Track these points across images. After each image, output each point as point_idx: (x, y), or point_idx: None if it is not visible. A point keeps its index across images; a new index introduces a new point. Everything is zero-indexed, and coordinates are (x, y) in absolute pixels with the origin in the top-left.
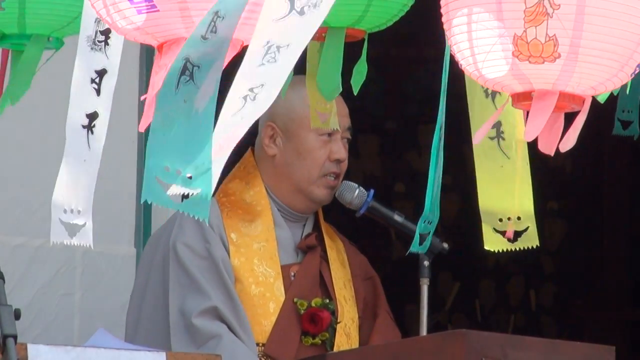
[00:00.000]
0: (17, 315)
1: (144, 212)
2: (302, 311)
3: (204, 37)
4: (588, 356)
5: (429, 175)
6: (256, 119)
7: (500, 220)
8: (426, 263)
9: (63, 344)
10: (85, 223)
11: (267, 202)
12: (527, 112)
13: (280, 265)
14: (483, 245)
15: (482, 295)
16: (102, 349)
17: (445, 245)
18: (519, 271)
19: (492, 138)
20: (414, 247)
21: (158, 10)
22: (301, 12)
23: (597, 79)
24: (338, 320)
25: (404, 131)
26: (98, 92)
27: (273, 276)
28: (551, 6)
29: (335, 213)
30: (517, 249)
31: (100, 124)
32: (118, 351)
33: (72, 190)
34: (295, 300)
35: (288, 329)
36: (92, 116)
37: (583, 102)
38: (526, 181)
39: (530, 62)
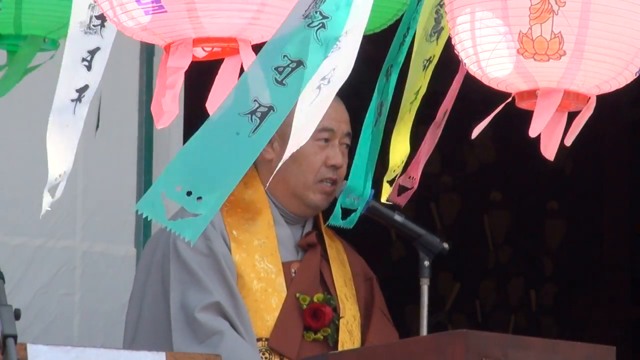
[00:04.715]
0: (17, 315)
1: None
2: (305, 306)
3: (279, 82)
4: (588, 356)
5: (358, 148)
6: (330, 99)
7: (394, 171)
8: (426, 263)
9: (63, 344)
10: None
11: (267, 201)
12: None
13: (281, 262)
14: (480, 244)
15: (482, 296)
16: (101, 349)
17: (446, 245)
18: (519, 271)
19: (411, 102)
20: (334, 220)
21: (166, 11)
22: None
23: (602, 77)
24: (340, 316)
25: None
26: (89, 67)
27: (275, 272)
28: (556, 3)
29: None
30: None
31: (89, 93)
32: (118, 351)
33: (57, 159)
34: (297, 295)
35: (291, 323)
36: (82, 89)
37: (587, 100)
38: (409, 128)
39: (535, 59)
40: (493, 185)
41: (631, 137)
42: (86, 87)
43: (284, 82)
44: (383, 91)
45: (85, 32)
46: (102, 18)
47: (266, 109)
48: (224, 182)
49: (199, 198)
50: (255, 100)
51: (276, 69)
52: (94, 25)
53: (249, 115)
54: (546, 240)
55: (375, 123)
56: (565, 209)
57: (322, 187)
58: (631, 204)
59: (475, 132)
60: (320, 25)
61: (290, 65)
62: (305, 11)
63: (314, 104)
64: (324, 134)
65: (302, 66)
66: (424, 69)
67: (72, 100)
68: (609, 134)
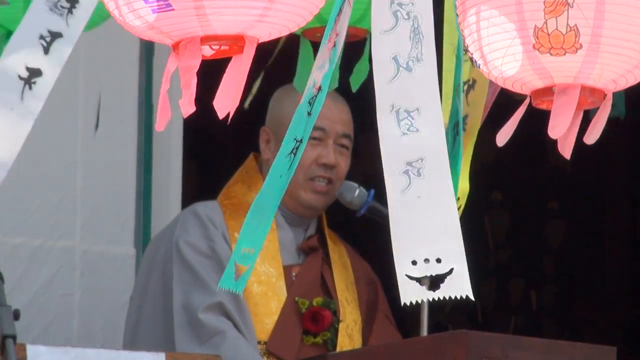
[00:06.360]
0: (16, 315)
1: (144, 212)
2: (304, 310)
3: (309, 114)
4: (589, 357)
5: None
6: (435, 195)
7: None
8: None
9: (62, 344)
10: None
11: None
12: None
13: (282, 265)
14: (480, 244)
15: (482, 296)
16: (101, 350)
17: None
18: (519, 271)
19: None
20: None
21: (173, 9)
22: (408, 69)
23: (619, 71)
24: (340, 320)
25: None
26: (46, 50)
27: (275, 276)
28: None
29: (336, 213)
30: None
31: (43, 85)
32: (117, 352)
33: None
34: (296, 299)
35: (289, 327)
36: (35, 72)
37: (604, 96)
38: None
39: (551, 54)
40: (493, 185)
41: (632, 137)
42: (39, 72)
43: (311, 112)
44: (458, 110)
45: (51, 9)
46: (72, 2)
47: (299, 143)
48: (265, 224)
49: (252, 250)
50: (294, 139)
51: (309, 102)
52: (61, 6)
53: (290, 155)
54: (546, 240)
55: (454, 143)
56: (566, 209)
57: (314, 185)
58: (631, 204)
59: (500, 139)
60: (333, 44)
61: (315, 94)
62: (329, 37)
63: (407, 195)
64: (314, 132)
65: (320, 91)
66: (463, 93)
67: (21, 79)
68: (609, 134)
